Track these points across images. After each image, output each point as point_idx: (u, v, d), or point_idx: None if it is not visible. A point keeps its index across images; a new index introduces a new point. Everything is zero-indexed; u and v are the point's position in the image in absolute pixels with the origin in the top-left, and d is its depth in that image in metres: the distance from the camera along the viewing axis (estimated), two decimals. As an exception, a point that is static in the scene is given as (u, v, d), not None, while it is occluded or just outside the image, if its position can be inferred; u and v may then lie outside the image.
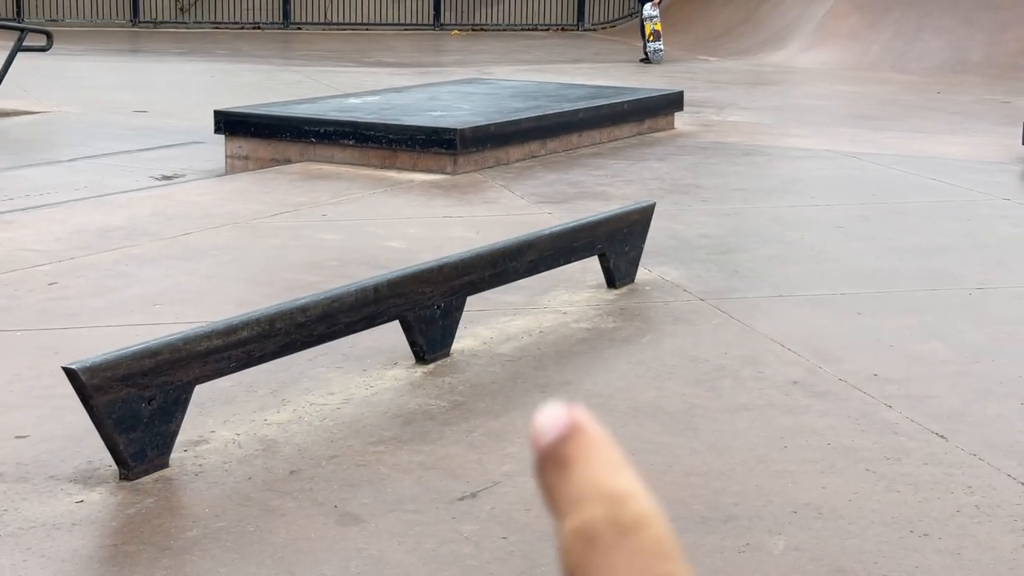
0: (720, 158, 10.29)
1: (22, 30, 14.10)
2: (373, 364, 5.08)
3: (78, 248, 6.87)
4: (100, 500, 3.84)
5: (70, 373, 3.86)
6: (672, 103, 11.96)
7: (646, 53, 19.65)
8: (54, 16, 23.34)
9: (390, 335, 5.14)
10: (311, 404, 4.64)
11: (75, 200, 8.52)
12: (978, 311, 6.05)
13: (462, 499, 3.90)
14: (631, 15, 26.31)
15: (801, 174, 9.67)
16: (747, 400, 4.79)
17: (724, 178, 9.39)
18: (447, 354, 5.19)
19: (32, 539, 3.58)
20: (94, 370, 3.86)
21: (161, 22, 24.38)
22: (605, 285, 6.25)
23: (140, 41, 22.00)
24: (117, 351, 4.00)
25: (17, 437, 4.28)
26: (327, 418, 4.52)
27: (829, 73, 18.00)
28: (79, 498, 3.84)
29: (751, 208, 8.36)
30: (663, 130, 11.67)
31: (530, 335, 5.53)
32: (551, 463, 0.44)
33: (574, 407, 0.46)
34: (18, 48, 13.48)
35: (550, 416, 0.46)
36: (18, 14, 23.12)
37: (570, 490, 0.44)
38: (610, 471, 0.45)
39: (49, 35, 13.55)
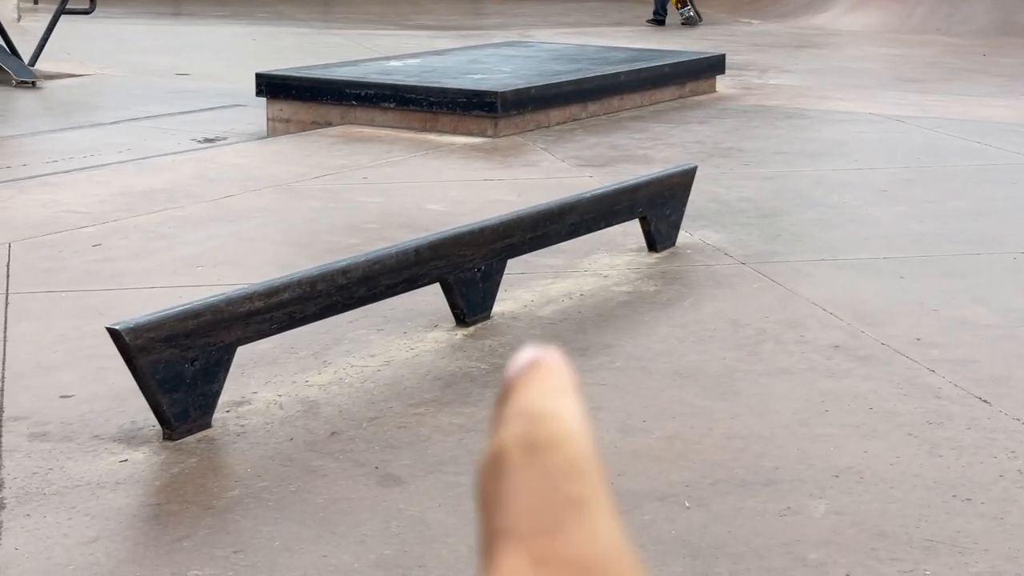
0: (762, 121, 10.22)
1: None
2: (414, 326, 5.09)
3: (121, 210, 6.91)
4: (144, 459, 3.88)
5: (114, 334, 3.89)
6: (713, 66, 11.89)
7: (686, 15, 19.46)
8: (96, -21, 23.40)
9: (430, 297, 5.15)
10: (352, 366, 4.66)
11: (118, 162, 8.56)
12: (1022, 275, 6.00)
13: (502, 461, 3.90)
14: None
15: (844, 137, 9.59)
16: (788, 364, 4.77)
17: (766, 141, 9.33)
18: (487, 317, 5.20)
19: (77, 498, 3.62)
20: (137, 331, 3.89)
21: (202, -15, 24.39)
22: (646, 248, 6.23)
23: (182, 4, 22.04)
24: (160, 312, 4.02)
25: (62, 397, 4.32)
26: (368, 380, 4.54)
27: (873, 36, 17.83)
28: (123, 457, 3.88)
29: (793, 172, 8.31)
30: (704, 93, 11.60)
31: (570, 298, 5.53)
32: (502, 395, 0.42)
33: (547, 349, 0.43)
34: (61, 11, 13.53)
35: (522, 356, 0.43)
36: (61, -23, 23.19)
37: (503, 414, 0.41)
38: (546, 394, 0.41)
39: (92, -2, 13.59)
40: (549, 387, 0.42)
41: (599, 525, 0.39)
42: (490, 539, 0.39)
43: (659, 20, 19.33)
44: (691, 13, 19.44)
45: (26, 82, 12.33)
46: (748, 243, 6.45)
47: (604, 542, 0.38)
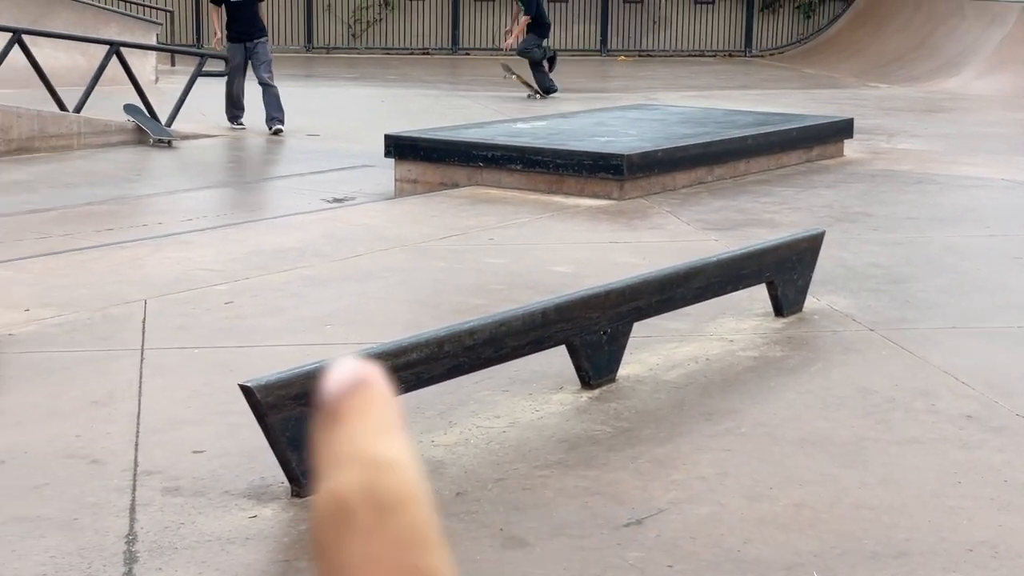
0: (890, 186, 10.11)
1: (202, 56, 14.54)
2: (539, 388, 5.10)
3: (253, 268, 7.04)
4: (273, 516, 3.93)
5: (246, 391, 3.96)
6: (841, 130, 11.80)
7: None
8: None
9: (555, 359, 5.16)
10: (477, 427, 4.68)
11: (250, 221, 8.74)
12: None
13: (627, 525, 3.89)
14: (800, 41, 26.04)
15: (975, 203, 9.44)
16: (919, 433, 4.69)
17: (895, 206, 9.22)
18: (613, 379, 5.19)
19: (207, 553, 3.67)
20: (269, 388, 3.96)
21: (334, 48, 24.89)
22: (773, 313, 6.18)
23: (313, 66, 22.49)
24: (291, 370, 4.09)
25: (194, 452, 4.40)
26: (493, 441, 4.55)
27: (1005, 100, 17.56)
28: (252, 513, 3.93)
29: (923, 237, 8.19)
30: (832, 157, 11.51)
31: (696, 362, 5.50)
32: (328, 418, 0.41)
33: (366, 364, 0.42)
34: (198, 73, 13.90)
35: (339, 372, 0.42)
36: (198, 41, 23.84)
37: (335, 448, 0.40)
38: (379, 433, 0.41)
39: (227, 61, 13.95)
40: (380, 422, 0.41)
41: None
42: None
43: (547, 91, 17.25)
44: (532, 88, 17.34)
45: (162, 141, 12.66)
46: (877, 309, 6.37)
47: None
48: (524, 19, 17.17)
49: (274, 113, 13.47)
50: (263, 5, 14.05)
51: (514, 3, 18.38)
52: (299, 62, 23.05)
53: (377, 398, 0.41)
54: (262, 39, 13.87)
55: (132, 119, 12.93)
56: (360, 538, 0.39)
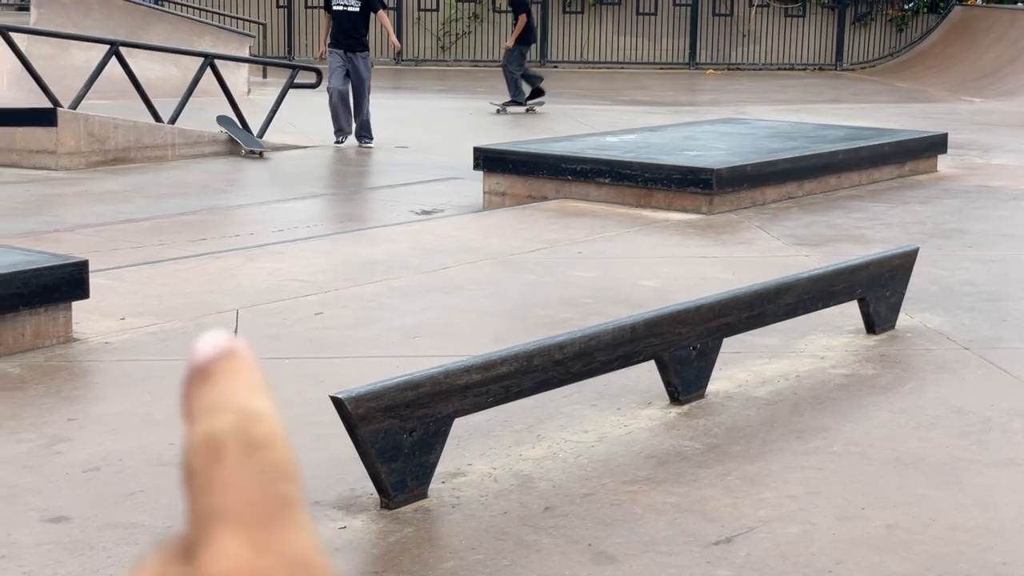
0: (985, 202, 9.96)
1: (293, 68, 14.69)
2: (627, 403, 5.09)
3: (342, 279, 7.09)
4: (362, 527, 3.95)
5: (337, 402, 3.98)
6: (934, 145, 11.64)
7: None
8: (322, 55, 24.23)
9: (644, 374, 5.14)
10: (566, 441, 4.68)
11: (340, 232, 8.81)
12: None
13: (717, 543, 3.86)
14: (892, 55, 25.76)
15: (1073, 220, 9.27)
16: (1016, 455, 4.61)
17: (990, 223, 9.08)
18: (702, 395, 5.16)
19: (298, 561, 3.69)
20: (359, 400, 3.98)
21: (423, 60, 25.04)
22: (864, 331, 6.11)
23: (403, 79, 22.64)
24: (381, 382, 4.11)
25: (284, 461, 4.43)
26: (581, 455, 4.55)
27: (1103, 115, 17.23)
28: (342, 524, 3.96)
29: (1018, 254, 8.06)
30: (925, 173, 11.36)
31: (786, 379, 5.45)
32: (197, 377, 0.44)
33: (234, 339, 0.45)
34: (289, 85, 14.05)
35: (209, 339, 0.45)
36: (289, 53, 24.09)
37: (206, 399, 0.43)
38: (249, 390, 0.44)
39: (319, 73, 14.08)
40: (250, 382, 0.44)
41: (305, 524, 0.43)
42: (203, 518, 0.42)
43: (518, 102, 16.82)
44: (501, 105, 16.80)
45: (254, 152, 12.81)
46: (972, 327, 6.27)
47: (309, 540, 0.42)
48: (521, 19, 16.84)
49: (361, 129, 13.54)
50: (374, 16, 13.92)
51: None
52: (388, 74, 23.21)
53: (244, 362, 0.45)
54: (360, 53, 13.73)
55: (225, 130, 13.10)
56: (228, 467, 0.42)
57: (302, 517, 0.43)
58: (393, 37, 15.16)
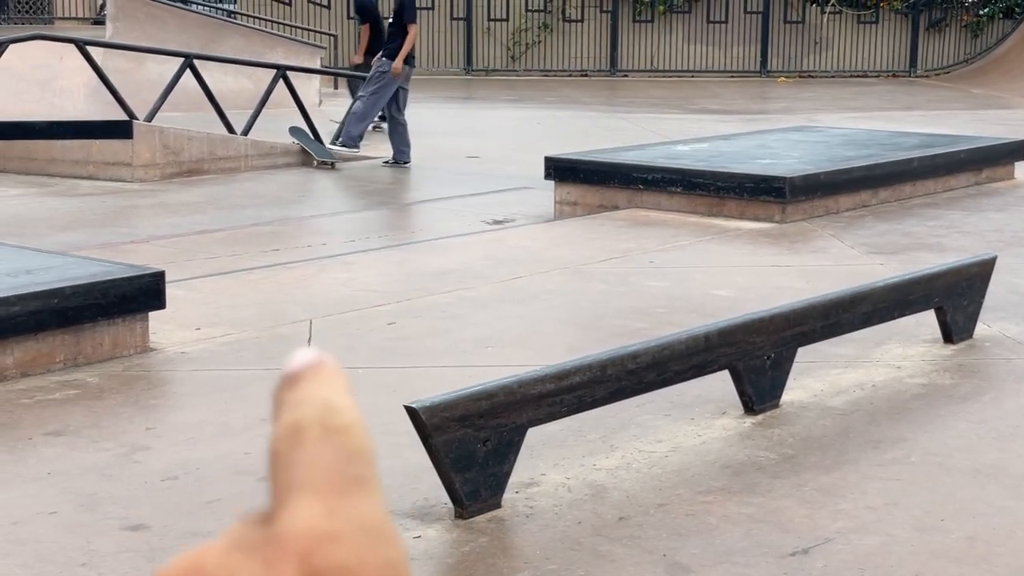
0: (1064, 209, 9.81)
1: (364, 79, 14.76)
2: (701, 413, 5.06)
3: (415, 289, 7.11)
4: (437, 537, 3.95)
5: (411, 412, 3.99)
6: (1012, 152, 11.49)
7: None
8: (392, 65, 24.38)
9: (718, 384, 5.11)
10: (639, 451, 4.66)
11: (412, 242, 8.84)
12: None
13: (793, 555, 3.83)
14: (967, 61, 25.46)
15: None
16: (1098, 466, 4.53)
17: (1069, 230, 8.94)
18: (776, 405, 5.12)
19: (373, 570, 3.71)
20: (433, 410, 3.99)
21: (492, 70, 25.10)
22: (941, 340, 6.04)
23: (473, 88, 22.70)
24: (455, 392, 4.11)
25: (359, 471, 4.45)
26: (655, 465, 4.53)
27: None
28: (417, 533, 3.97)
29: (1099, 262, 7.93)
30: (1002, 180, 11.21)
31: (862, 389, 5.40)
32: (287, 382, 0.47)
33: (323, 354, 0.49)
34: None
35: (299, 354, 0.49)
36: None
37: (293, 397, 0.47)
38: (334, 390, 0.47)
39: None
40: (335, 385, 0.48)
41: (378, 501, 0.45)
42: (283, 490, 0.45)
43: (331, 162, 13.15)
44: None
45: (325, 163, 12.89)
46: (1051, 337, 6.18)
47: (380, 514, 0.45)
48: (412, 30, 13.11)
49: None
50: (399, 21, 13.15)
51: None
52: (459, 84, 23.30)
53: (330, 369, 0.48)
54: (376, 59, 13.18)
55: (297, 141, 13.19)
56: (308, 447, 0.45)
57: (377, 495, 0.46)
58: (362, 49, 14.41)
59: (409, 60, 13.22)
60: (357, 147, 13.08)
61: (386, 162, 13.01)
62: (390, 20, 13.50)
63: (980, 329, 6.19)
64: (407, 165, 12.92)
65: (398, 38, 13.05)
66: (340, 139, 13.08)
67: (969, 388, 5.45)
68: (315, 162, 12.91)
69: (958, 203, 10.08)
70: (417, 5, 13.98)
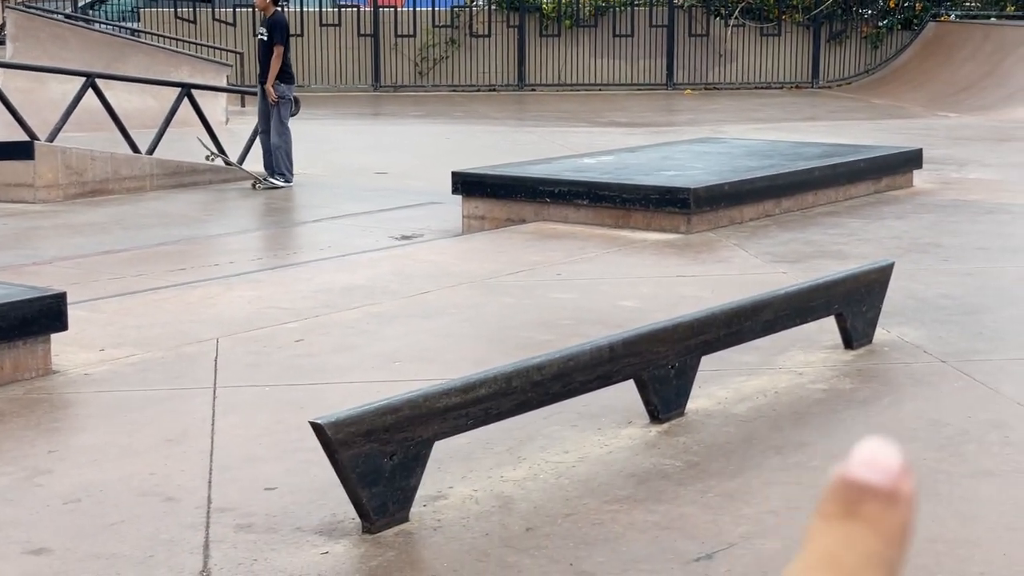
0: (961, 216, 10.02)
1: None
2: (607, 423, 5.10)
3: (322, 306, 7.10)
4: (344, 552, 3.96)
5: (316, 428, 4.00)
6: (910, 161, 11.71)
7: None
8: (301, 82, 24.22)
9: (624, 394, 5.16)
10: (546, 462, 4.69)
11: (320, 259, 8.82)
12: None
13: (698, 560, 3.88)
14: (867, 71, 25.89)
15: (1048, 232, 9.33)
16: (993, 466, 4.64)
17: (966, 237, 9.14)
18: (681, 413, 5.18)
19: (280, 588, 3.70)
20: (339, 425, 3.99)
21: (401, 86, 25.09)
22: (842, 346, 6.15)
23: (381, 104, 22.68)
24: (360, 407, 4.12)
25: (266, 489, 4.45)
26: (562, 476, 4.56)
27: (1077, 127, 17.34)
28: (324, 549, 3.97)
29: (995, 268, 8.11)
30: (901, 188, 11.42)
31: (765, 395, 5.48)
32: (848, 489, 0.49)
33: (906, 469, 0.50)
34: (267, 114, 14.02)
35: (880, 455, 0.50)
36: (266, 81, 24.09)
37: (848, 520, 0.49)
38: (887, 543, 0.50)
39: (296, 101, 14.09)
40: (891, 535, 0.50)
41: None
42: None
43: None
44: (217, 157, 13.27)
45: (266, 184, 12.76)
46: (948, 341, 6.31)
47: None
48: (278, 51, 12.81)
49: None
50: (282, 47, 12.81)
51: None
52: (367, 101, 23.26)
53: (903, 505, 0.51)
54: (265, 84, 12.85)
55: (212, 156, 12.86)
56: (857, 523, 0.48)
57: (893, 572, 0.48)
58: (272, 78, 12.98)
59: (286, 78, 12.96)
60: (291, 178, 12.92)
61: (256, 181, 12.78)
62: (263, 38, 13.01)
63: (879, 334, 6.31)
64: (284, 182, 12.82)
65: (271, 60, 12.85)
66: (274, 174, 12.82)
67: (868, 392, 5.55)
68: (257, 186, 12.63)
69: (859, 211, 10.25)
70: (291, 28, 13.49)
